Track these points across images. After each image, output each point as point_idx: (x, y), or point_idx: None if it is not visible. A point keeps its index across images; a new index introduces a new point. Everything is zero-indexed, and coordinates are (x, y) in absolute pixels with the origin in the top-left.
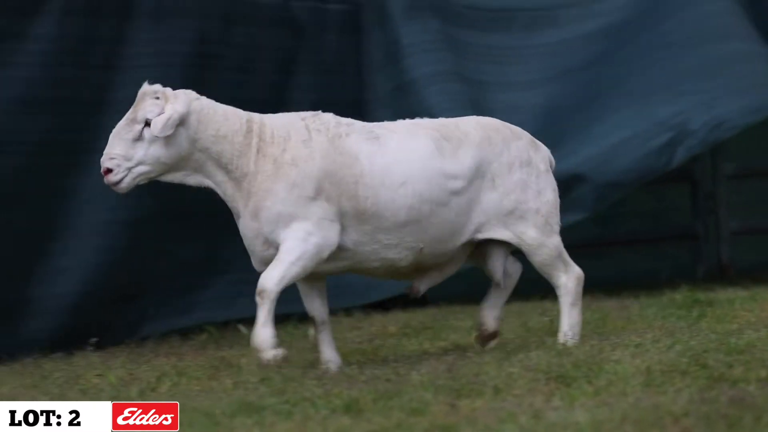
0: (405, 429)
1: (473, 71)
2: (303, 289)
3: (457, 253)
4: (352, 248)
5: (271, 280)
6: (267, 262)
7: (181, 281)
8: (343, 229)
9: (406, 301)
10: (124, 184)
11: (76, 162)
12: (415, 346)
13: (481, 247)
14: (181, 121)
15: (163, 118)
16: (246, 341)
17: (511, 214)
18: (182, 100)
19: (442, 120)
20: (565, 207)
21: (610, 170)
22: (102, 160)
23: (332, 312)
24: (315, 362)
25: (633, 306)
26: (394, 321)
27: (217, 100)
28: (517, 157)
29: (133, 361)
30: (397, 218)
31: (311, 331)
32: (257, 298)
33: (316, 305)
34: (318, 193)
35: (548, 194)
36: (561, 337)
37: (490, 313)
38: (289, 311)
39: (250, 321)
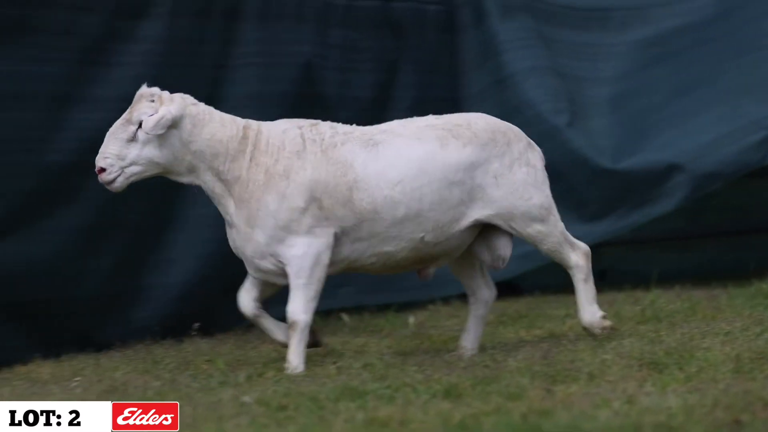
0: (503, 413)
1: (567, 67)
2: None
3: (464, 235)
4: (349, 247)
5: (299, 312)
6: (259, 268)
7: None
8: (342, 232)
9: (501, 291)
10: (117, 184)
11: None
12: (511, 334)
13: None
14: (174, 124)
15: (155, 118)
16: (348, 329)
17: (516, 212)
18: (177, 104)
19: (453, 119)
20: (660, 196)
21: (707, 161)
22: (97, 159)
23: (431, 301)
24: (414, 349)
25: (721, 296)
26: (490, 310)
27: (322, 97)
28: (518, 158)
29: (240, 347)
30: (395, 213)
31: (411, 319)
32: (289, 331)
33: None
34: (309, 204)
35: (546, 189)
36: (586, 315)
37: (469, 340)
38: (389, 301)
39: (352, 310)
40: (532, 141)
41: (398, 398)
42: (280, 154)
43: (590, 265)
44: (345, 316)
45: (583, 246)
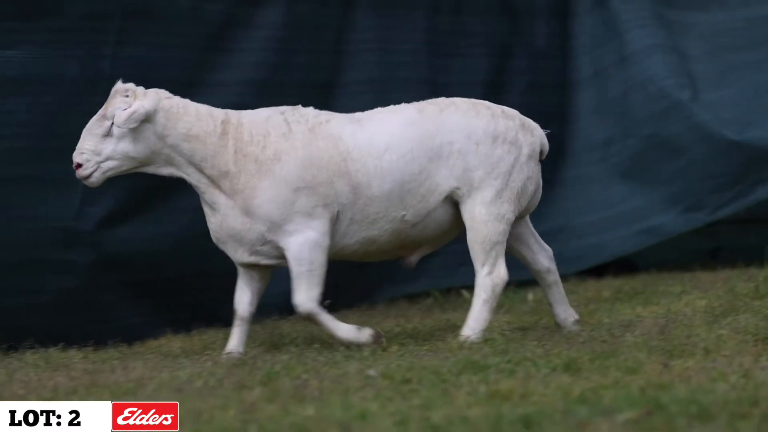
0: (621, 387)
1: (685, 46)
2: (241, 281)
3: (444, 216)
4: (344, 229)
5: (305, 302)
6: (256, 252)
7: None
8: (341, 209)
9: (617, 268)
10: (94, 179)
11: None
12: (627, 310)
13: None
14: (148, 118)
15: (127, 112)
16: (469, 306)
17: (474, 183)
18: (150, 98)
19: (434, 99)
20: None
21: None
22: (74, 154)
23: None
24: (534, 325)
25: None
26: (607, 287)
27: (436, 83)
28: (503, 133)
29: (364, 323)
30: (383, 186)
31: (530, 296)
32: (309, 322)
33: (243, 301)
34: (307, 183)
35: (517, 180)
36: (462, 336)
37: (560, 310)
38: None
39: (473, 287)
40: (532, 125)
41: (519, 372)
42: (267, 141)
43: (498, 293)
44: (466, 293)
45: (504, 272)
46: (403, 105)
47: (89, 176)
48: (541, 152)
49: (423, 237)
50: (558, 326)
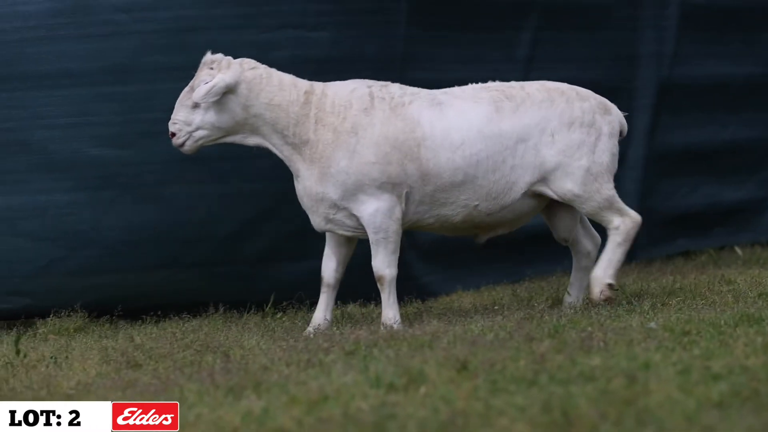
0: None
1: None
2: (328, 248)
3: (522, 207)
4: (413, 208)
5: (383, 267)
6: (330, 220)
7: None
8: (409, 190)
9: None
10: (187, 147)
11: None
12: None
13: (550, 206)
14: (231, 90)
15: (206, 87)
16: (742, 261)
17: (557, 170)
18: (232, 71)
19: (510, 83)
20: None
21: None
22: (169, 123)
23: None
24: None
25: None
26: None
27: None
28: (579, 117)
29: (642, 279)
30: (454, 178)
31: (738, 251)
32: (378, 285)
33: (329, 267)
34: (380, 159)
35: (604, 156)
36: (599, 271)
37: (574, 291)
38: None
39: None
40: (611, 106)
41: None
42: (348, 113)
43: (633, 234)
44: (738, 249)
45: (634, 215)
46: (484, 91)
47: (182, 144)
48: (621, 132)
49: (498, 223)
50: (562, 302)
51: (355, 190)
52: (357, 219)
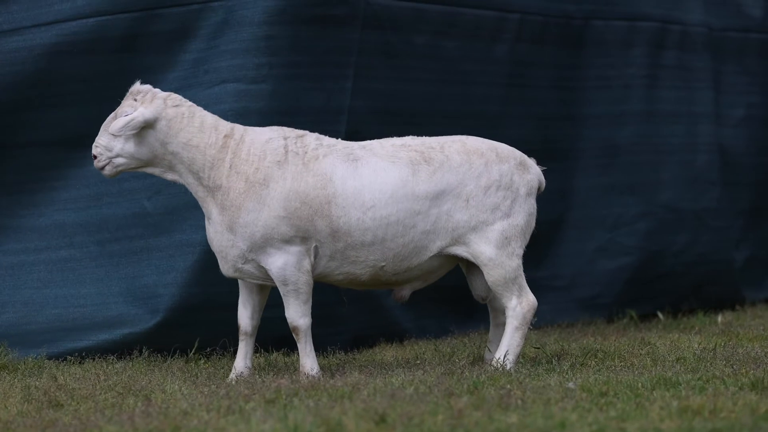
0: None
1: None
2: (242, 296)
3: (431, 266)
4: (324, 263)
5: (296, 317)
6: (238, 269)
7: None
8: (318, 245)
9: None
10: (107, 171)
11: None
12: None
13: (469, 265)
14: (150, 125)
15: (124, 120)
16: (662, 326)
17: (470, 233)
18: (155, 105)
19: (429, 141)
20: None
21: None
22: (93, 146)
23: (740, 303)
24: (723, 345)
25: None
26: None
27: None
28: (496, 181)
29: (564, 339)
30: (364, 238)
31: (720, 318)
32: (294, 335)
33: (245, 315)
34: (289, 214)
35: (519, 218)
36: (495, 358)
37: (493, 347)
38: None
39: (667, 311)
40: (530, 164)
41: (708, 389)
42: (261, 164)
43: (530, 318)
44: (660, 314)
45: (532, 298)
46: (403, 150)
47: (102, 168)
48: (539, 188)
49: (406, 281)
50: (483, 360)
51: (263, 243)
52: (265, 270)
